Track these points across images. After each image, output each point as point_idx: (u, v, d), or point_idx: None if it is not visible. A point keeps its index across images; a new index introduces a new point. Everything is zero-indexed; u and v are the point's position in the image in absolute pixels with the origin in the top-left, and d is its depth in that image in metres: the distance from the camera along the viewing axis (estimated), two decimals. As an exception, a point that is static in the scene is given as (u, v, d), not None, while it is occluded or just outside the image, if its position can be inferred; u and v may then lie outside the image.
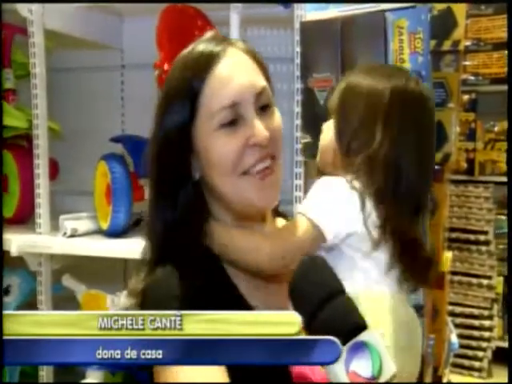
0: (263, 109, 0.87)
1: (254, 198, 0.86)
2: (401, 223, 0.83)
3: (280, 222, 1.01)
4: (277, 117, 0.90)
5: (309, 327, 0.68)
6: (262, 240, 0.87)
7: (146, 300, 0.86)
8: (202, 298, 0.82)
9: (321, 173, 0.94)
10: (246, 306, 0.89)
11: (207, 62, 0.86)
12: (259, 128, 0.84)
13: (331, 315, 0.66)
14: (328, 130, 0.93)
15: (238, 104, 0.85)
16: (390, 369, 0.64)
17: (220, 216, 0.92)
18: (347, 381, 0.63)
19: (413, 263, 0.83)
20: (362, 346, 0.64)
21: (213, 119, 0.85)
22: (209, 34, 0.93)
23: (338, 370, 0.64)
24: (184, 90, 0.86)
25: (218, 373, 0.80)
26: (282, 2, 1.46)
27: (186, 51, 0.90)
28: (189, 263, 0.86)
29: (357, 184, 0.84)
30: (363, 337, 0.64)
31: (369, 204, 0.83)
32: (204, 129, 0.86)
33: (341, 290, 0.69)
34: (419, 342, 0.88)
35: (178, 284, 0.83)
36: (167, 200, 0.89)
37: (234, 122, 0.85)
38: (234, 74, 0.86)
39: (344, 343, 0.64)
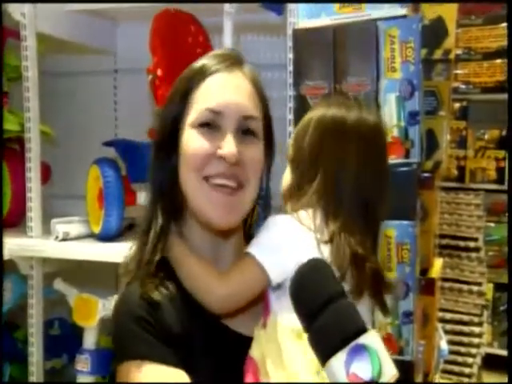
0: (247, 134, 0.90)
1: (209, 211, 0.89)
2: (351, 239, 0.84)
3: None
4: (257, 150, 0.92)
5: (310, 329, 0.68)
6: (212, 281, 0.88)
7: (114, 323, 0.89)
8: (168, 315, 0.86)
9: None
10: (214, 322, 0.91)
11: (210, 68, 0.91)
12: (230, 144, 0.87)
13: (332, 318, 0.67)
14: (286, 174, 0.98)
15: (222, 114, 0.88)
16: (390, 371, 0.65)
17: (191, 222, 0.94)
18: (347, 383, 0.64)
19: (364, 278, 0.83)
20: (362, 349, 0.64)
21: (195, 116, 0.89)
22: (223, 50, 1.02)
23: (338, 373, 0.64)
24: (181, 87, 0.92)
25: (181, 374, 0.81)
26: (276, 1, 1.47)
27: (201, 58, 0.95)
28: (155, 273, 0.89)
29: (305, 218, 0.86)
30: (363, 339, 0.65)
31: (317, 227, 0.85)
32: (186, 123, 0.90)
33: (341, 293, 0.69)
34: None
35: (140, 303, 0.86)
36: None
37: (211, 126, 0.89)
38: (230, 88, 0.90)
39: (344, 345, 0.64)
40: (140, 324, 0.84)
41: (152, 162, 0.95)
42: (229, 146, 0.87)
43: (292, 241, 0.84)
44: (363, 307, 0.85)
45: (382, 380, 0.64)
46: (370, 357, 0.64)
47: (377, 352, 0.64)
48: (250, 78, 0.93)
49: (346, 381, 0.64)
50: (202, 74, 0.90)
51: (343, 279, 0.81)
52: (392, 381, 0.66)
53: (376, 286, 0.86)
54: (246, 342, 0.87)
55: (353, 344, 0.64)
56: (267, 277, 0.84)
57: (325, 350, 0.66)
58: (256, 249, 0.86)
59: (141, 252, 0.91)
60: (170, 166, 0.92)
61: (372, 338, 0.65)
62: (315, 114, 0.95)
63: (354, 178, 0.88)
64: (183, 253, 0.91)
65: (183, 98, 0.91)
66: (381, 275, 0.87)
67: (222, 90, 0.89)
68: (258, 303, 0.90)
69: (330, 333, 0.66)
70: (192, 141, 0.89)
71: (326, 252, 0.83)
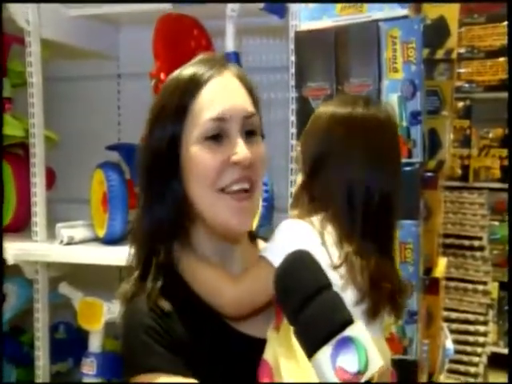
0: (249, 134, 0.89)
1: (229, 219, 0.88)
2: (365, 262, 0.82)
3: (261, 243, 1.01)
4: (261, 147, 0.91)
5: (295, 322, 0.68)
6: (226, 284, 0.87)
7: (123, 336, 0.88)
8: (179, 328, 0.85)
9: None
10: (229, 330, 0.90)
11: (202, 77, 0.88)
12: (242, 147, 0.86)
13: (318, 310, 0.66)
14: (298, 179, 0.96)
15: (225, 120, 0.86)
16: (376, 363, 0.64)
17: (198, 233, 0.93)
18: (334, 376, 0.63)
19: (381, 300, 0.82)
20: (348, 341, 0.63)
21: (198, 129, 0.86)
22: (204, 55, 0.95)
23: (325, 366, 0.63)
24: (176, 102, 0.88)
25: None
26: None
27: (179, 70, 0.92)
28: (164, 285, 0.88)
29: (318, 224, 0.84)
30: (349, 331, 0.64)
31: (330, 241, 0.83)
32: (189, 139, 0.87)
33: (327, 285, 0.68)
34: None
35: (149, 313, 0.85)
36: (156, 208, 0.90)
37: (218, 137, 0.87)
38: (226, 92, 0.88)
39: (330, 338, 0.64)
40: (150, 335, 0.83)
41: (148, 188, 0.90)
42: (241, 149, 0.86)
43: (306, 246, 0.82)
44: (380, 321, 0.85)
45: (368, 371, 0.63)
46: (357, 349, 0.63)
47: (363, 344, 0.64)
48: (239, 77, 0.92)
49: (333, 374, 0.63)
50: (195, 85, 0.88)
51: (363, 300, 0.80)
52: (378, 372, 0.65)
53: (393, 304, 0.85)
54: (260, 344, 0.87)
55: (339, 337, 0.64)
56: None
57: (311, 343, 0.65)
58: (271, 254, 0.85)
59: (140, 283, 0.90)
60: (174, 188, 0.89)
61: (358, 330, 0.65)
62: (320, 111, 0.93)
63: (365, 175, 0.85)
64: (193, 261, 0.91)
65: (180, 114, 0.87)
66: (396, 295, 0.85)
67: (219, 97, 0.88)
68: (270, 305, 0.89)
69: (315, 326, 0.65)
70: (201, 156, 0.86)
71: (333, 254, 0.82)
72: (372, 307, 0.81)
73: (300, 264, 0.70)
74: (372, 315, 0.82)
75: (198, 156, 0.86)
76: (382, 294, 0.82)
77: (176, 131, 0.88)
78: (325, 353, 0.63)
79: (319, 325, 0.65)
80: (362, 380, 0.63)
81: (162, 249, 0.90)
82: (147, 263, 0.90)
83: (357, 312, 0.79)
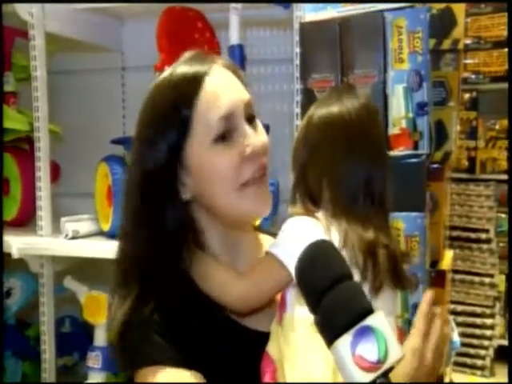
0: (250, 121, 0.88)
1: (254, 208, 0.88)
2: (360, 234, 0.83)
3: (265, 238, 1.00)
4: (262, 129, 0.91)
5: (316, 311, 0.68)
6: (234, 280, 0.87)
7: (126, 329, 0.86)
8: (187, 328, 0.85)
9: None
10: (236, 327, 0.90)
11: (195, 80, 0.86)
12: (252, 137, 0.86)
13: (338, 299, 0.66)
14: None
15: (232, 115, 0.85)
16: (396, 353, 0.64)
17: (208, 230, 0.92)
18: (353, 364, 0.63)
19: (380, 269, 0.82)
20: (368, 330, 0.63)
21: (208, 133, 0.85)
22: (189, 53, 0.92)
23: (344, 354, 0.63)
24: (175, 111, 0.85)
25: (197, 377, 0.81)
26: (281, 1, 1.47)
27: (168, 74, 0.89)
28: (165, 287, 0.87)
29: (324, 220, 0.85)
30: (369, 321, 0.64)
31: (336, 236, 0.83)
32: (198, 146, 0.85)
33: (347, 274, 0.68)
34: None
35: (152, 308, 0.85)
36: (152, 220, 0.88)
37: (228, 134, 0.85)
38: (224, 87, 0.87)
39: (350, 327, 0.64)
40: (154, 329, 0.83)
41: (143, 210, 0.88)
42: (252, 140, 0.85)
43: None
44: (386, 299, 0.84)
45: (388, 361, 0.63)
46: (377, 338, 0.63)
47: (383, 333, 0.64)
48: (227, 66, 0.91)
49: (352, 362, 0.63)
50: (190, 90, 0.85)
51: (365, 278, 0.80)
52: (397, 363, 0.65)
53: (394, 273, 0.84)
54: (265, 338, 0.87)
55: (359, 326, 0.64)
56: (290, 277, 0.82)
57: (331, 331, 0.65)
58: (278, 249, 0.85)
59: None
60: (177, 204, 0.87)
61: (378, 320, 0.65)
62: (306, 116, 0.95)
63: (342, 168, 0.87)
64: (202, 260, 0.91)
65: (183, 126, 0.85)
66: (396, 262, 0.85)
67: (220, 94, 0.85)
68: (275, 300, 0.90)
69: (335, 314, 0.65)
70: (216, 160, 0.85)
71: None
72: (373, 281, 0.81)
73: (321, 253, 0.70)
74: (375, 290, 0.81)
75: (213, 160, 0.85)
76: (380, 264, 0.82)
77: (178, 144, 0.85)
78: (344, 341, 0.63)
79: (339, 313, 0.65)
80: (382, 369, 0.63)
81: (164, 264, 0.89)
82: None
83: None
